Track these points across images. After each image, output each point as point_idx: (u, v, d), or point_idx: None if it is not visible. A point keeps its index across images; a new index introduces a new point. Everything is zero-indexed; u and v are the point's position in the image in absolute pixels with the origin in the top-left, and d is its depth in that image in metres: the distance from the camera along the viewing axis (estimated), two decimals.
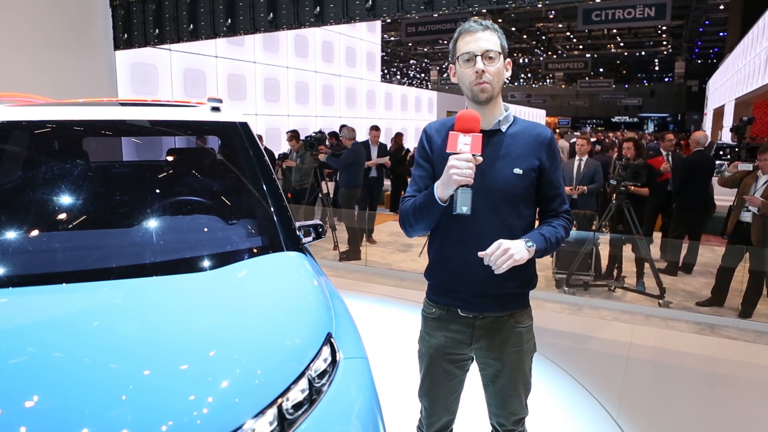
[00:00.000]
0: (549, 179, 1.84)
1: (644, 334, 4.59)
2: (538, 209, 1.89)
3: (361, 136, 10.91)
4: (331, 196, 8.02)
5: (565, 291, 5.67)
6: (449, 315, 1.88)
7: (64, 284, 1.70)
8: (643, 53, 33.49)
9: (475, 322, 1.85)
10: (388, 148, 9.14)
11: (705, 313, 5.13)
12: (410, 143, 14.50)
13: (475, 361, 1.96)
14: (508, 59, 1.83)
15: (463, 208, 1.59)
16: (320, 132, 8.20)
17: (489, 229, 1.73)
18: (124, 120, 2.52)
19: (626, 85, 45.27)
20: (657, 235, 7.21)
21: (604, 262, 6.08)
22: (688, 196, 6.27)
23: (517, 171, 1.77)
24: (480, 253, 1.67)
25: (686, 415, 3.28)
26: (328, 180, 8.14)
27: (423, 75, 41.48)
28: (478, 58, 1.72)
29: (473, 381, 2.02)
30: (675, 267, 6.42)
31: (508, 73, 1.83)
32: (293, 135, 8.92)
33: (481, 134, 1.66)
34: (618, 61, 38.11)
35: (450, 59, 1.83)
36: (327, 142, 8.50)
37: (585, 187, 6.06)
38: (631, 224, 5.51)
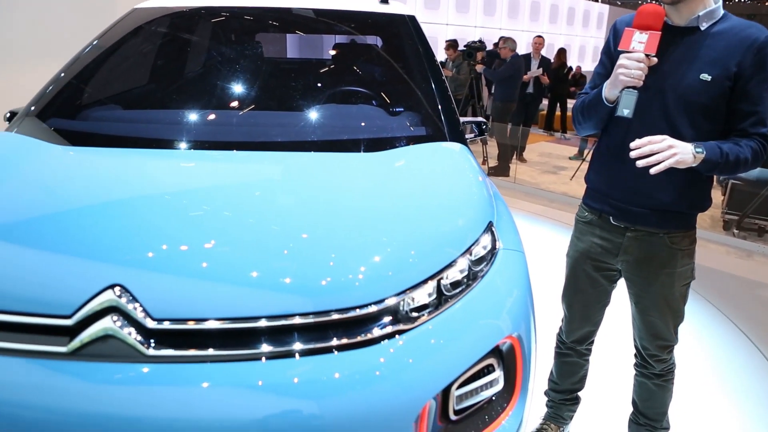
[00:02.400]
0: (747, 91, 1.53)
1: None
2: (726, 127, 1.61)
3: (522, 50, 10.32)
4: (486, 109, 7.79)
5: (735, 234, 5.12)
6: (600, 221, 1.80)
7: (235, 151, 1.84)
8: None
9: (626, 233, 1.74)
10: (551, 63, 8.56)
11: None
12: (573, 61, 13.46)
13: (622, 276, 1.85)
14: None
15: (625, 110, 1.51)
16: (480, 41, 7.88)
17: None
18: (291, 9, 2.59)
19: None
20: None
21: None
22: None
23: (705, 77, 1.52)
24: (636, 142, 1.49)
25: None
26: (487, 91, 7.87)
27: None
28: None
29: (626, 300, 1.91)
30: None
31: None
32: (451, 44, 8.70)
33: (659, 32, 1.48)
34: None
35: None
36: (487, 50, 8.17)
37: None
38: None
